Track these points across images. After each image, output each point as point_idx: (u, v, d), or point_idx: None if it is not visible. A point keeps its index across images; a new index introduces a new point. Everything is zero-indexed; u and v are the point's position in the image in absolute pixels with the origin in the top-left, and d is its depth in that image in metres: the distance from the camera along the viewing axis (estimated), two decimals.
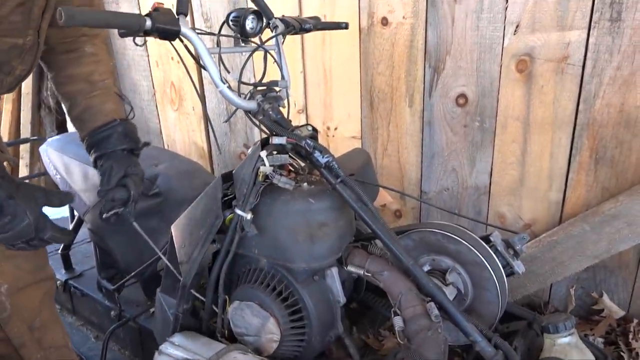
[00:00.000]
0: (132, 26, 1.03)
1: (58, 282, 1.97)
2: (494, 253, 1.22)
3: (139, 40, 1.11)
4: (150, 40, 1.14)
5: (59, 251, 2.01)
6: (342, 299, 1.25)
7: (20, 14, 1.11)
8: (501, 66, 1.66)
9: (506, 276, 1.23)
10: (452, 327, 1.14)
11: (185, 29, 1.11)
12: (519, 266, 1.24)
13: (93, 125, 1.37)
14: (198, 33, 1.16)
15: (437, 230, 1.26)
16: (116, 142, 1.36)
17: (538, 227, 1.77)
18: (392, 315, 1.13)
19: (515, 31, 1.59)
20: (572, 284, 1.79)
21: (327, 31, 1.95)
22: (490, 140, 1.76)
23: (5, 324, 1.22)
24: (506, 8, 1.59)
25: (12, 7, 1.08)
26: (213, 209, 1.23)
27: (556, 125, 1.62)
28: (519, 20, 1.58)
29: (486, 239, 1.25)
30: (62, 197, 1.21)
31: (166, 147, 2.81)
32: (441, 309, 1.11)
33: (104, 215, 1.34)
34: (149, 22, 1.04)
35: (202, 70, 2.33)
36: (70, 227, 1.97)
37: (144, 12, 1.05)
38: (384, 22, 1.82)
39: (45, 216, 1.13)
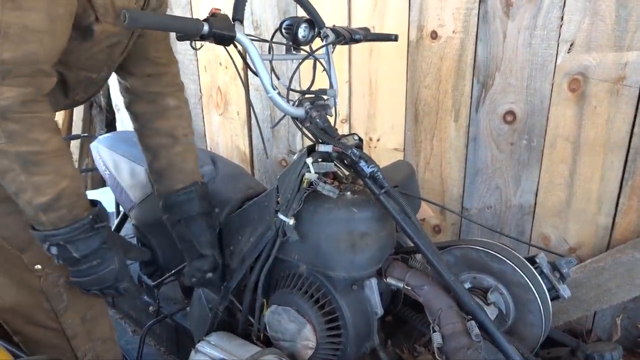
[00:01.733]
0: (190, 30, 1.06)
1: None
2: (539, 275, 1.19)
3: (196, 44, 1.14)
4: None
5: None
6: (380, 311, 1.24)
7: (106, 54, 1.20)
8: (553, 84, 1.62)
9: (551, 300, 1.20)
10: (492, 349, 1.12)
11: (240, 35, 1.14)
12: (564, 290, 1.21)
13: (172, 184, 1.39)
14: (251, 39, 1.18)
15: (480, 248, 1.23)
16: (197, 207, 1.38)
17: (584, 251, 1.71)
18: (431, 331, 1.12)
19: (569, 49, 1.56)
20: (618, 313, 1.72)
21: (374, 42, 1.95)
22: (538, 160, 1.72)
23: (61, 314, 1.26)
24: (561, 26, 1.56)
25: (102, 47, 1.16)
26: (266, 220, 1.25)
27: (608, 147, 1.57)
28: (574, 39, 1.54)
29: (531, 260, 1.22)
30: (139, 252, 1.30)
31: (209, 150, 2.86)
32: (481, 329, 1.08)
33: (192, 282, 1.37)
34: (206, 27, 1.07)
35: (249, 76, 2.38)
36: (115, 222, 2.03)
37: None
38: (434, 35, 1.81)
39: (127, 268, 1.17)
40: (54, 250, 1.09)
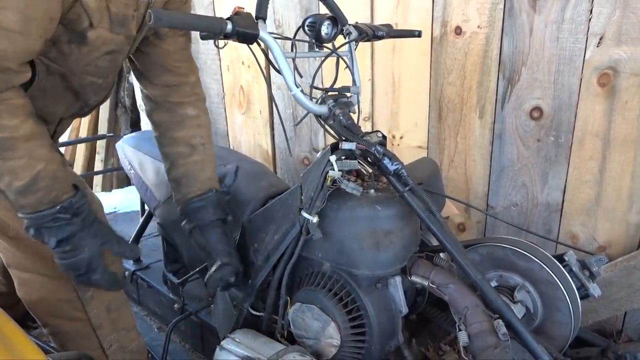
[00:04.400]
0: (214, 29, 1.07)
1: (126, 273, 2.06)
2: (568, 273, 1.17)
3: (219, 42, 1.14)
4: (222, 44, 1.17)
5: (129, 242, 2.09)
6: (404, 309, 1.23)
7: (107, 60, 1.21)
8: (581, 79, 1.58)
9: (580, 299, 1.17)
10: (519, 348, 1.10)
11: (263, 33, 1.14)
12: (594, 289, 1.18)
13: (188, 192, 1.41)
14: (275, 38, 1.19)
15: (506, 246, 1.22)
16: (211, 214, 1.40)
17: (614, 250, 1.67)
18: (457, 330, 1.11)
19: (598, 43, 1.52)
20: None
21: (397, 39, 1.94)
22: (566, 156, 1.68)
23: (88, 304, 1.31)
24: (590, 19, 1.52)
25: (101, 53, 1.18)
26: (290, 217, 1.25)
27: None
28: (604, 32, 1.50)
29: (560, 258, 1.20)
30: (127, 248, 1.24)
31: (232, 148, 2.88)
32: (509, 328, 1.06)
33: (216, 290, 1.39)
34: (229, 26, 1.08)
35: (271, 74, 2.39)
36: (140, 220, 2.06)
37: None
38: (458, 31, 1.79)
39: (99, 259, 1.16)
40: (31, 232, 1.11)
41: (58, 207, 1.08)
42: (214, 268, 1.36)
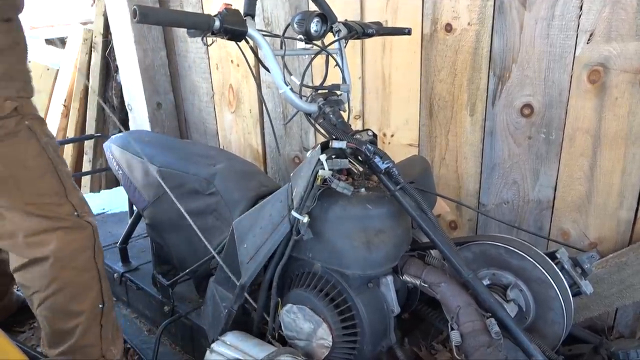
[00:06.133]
0: (201, 26, 1.05)
1: (115, 275, 2.03)
2: (560, 271, 1.16)
3: (207, 40, 1.12)
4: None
5: (118, 245, 2.07)
6: (397, 309, 1.22)
7: None
8: (571, 76, 1.58)
9: (572, 296, 1.17)
10: (512, 347, 1.09)
11: (252, 30, 1.13)
12: (586, 286, 1.18)
13: None
14: (263, 35, 1.17)
15: (499, 244, 1.21)
16: None
17: (605, 246, 1.67)
18: (449, 330, 1.10)
19: (588, 40, 1.52)
20: None
21: (387, 37, 1.93)
22: (556, 153, 1.68)
23: (97, 255, 1.48)
24: (580, 16, 1.51)
25: None
26: (280, 217, 1.23)
27: (630, 140, 1.53)
28: (594, 29, 1.50)
29: (552, 256, 1.19)
30: None
31: (222, 147, 2.86)
32: (501, 326, 1.06)
33: None
34: (217, 23, 1.06)
35: (261, 73, 2.37)
36: (129, 221, 2.03)
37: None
38: (448, 28, 1.78)
39: None
40: None
41: None
42: None
